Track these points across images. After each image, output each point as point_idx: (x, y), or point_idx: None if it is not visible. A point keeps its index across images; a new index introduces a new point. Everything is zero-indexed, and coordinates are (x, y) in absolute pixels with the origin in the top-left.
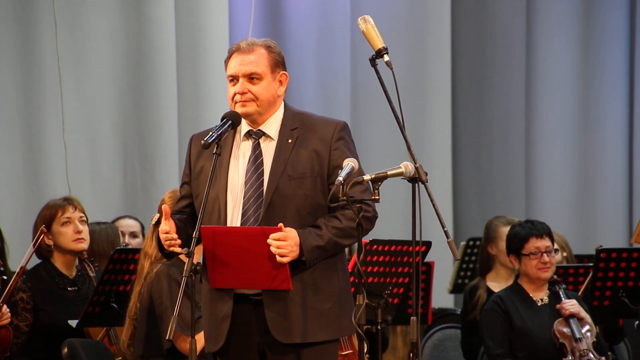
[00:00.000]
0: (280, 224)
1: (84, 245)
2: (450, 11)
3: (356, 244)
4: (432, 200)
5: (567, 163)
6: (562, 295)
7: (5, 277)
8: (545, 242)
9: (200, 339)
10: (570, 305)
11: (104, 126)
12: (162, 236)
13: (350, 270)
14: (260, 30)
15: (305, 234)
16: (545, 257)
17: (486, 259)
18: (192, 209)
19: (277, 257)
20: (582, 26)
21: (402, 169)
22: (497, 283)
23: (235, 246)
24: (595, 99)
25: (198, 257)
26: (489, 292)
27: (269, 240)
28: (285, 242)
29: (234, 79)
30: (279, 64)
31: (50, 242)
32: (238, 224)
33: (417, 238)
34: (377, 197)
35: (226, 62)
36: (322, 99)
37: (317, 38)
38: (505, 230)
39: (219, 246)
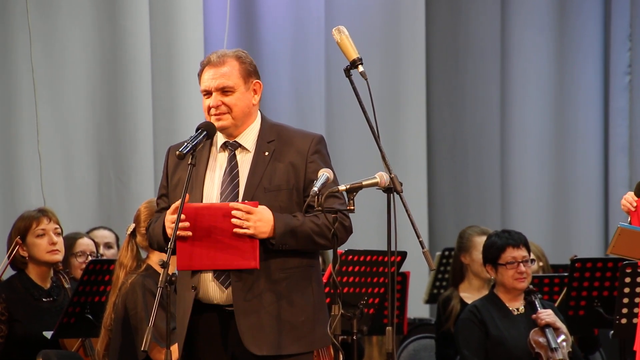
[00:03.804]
0: (257, 202)
1: (59, 256)
2: (425, 21)
3: (331, 254)
4: (407, 211)
5: (543, 173)
6: (537, 305)
7: None
8: (521, 252)
9: (175, 350)
10: (546, 315)
11: (79, 137)
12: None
13: (325, 281)
14: (235, 41)
15: (281, 215)
16: (522, 267)
17: (459, 269)
18: None
19: (235, 229)
20: (556, 35)
21: (377, 179)
22: (469, 294)
23: (204, 225)
24: (571, 108)
25: (173, 268)
26: (462, 302)
27: (233, 212)
28: (248, 216)
29: (207, 93)
30: (251, 73)
31: (25, 254)
32: None
33: (393, 248)
34: (353, 208)
35: (199, 75)
36: (297, 109)
37: (291, 49)
38: (478, 239)
39: (188, 227)
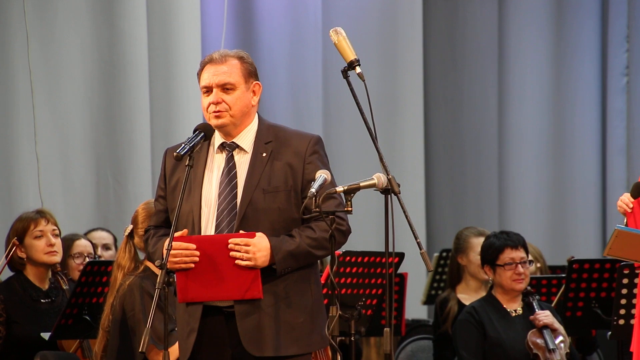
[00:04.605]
0: (254, 233)
1: (57, 258)
2: (422, 22)
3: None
4: (404, 212)
5: (540, 174)
6: (535, 307)
7: None
8: (520, 253)
9: (174, 351)
10: (544, 316)
11: (77, 139)
12: (184, 252)
13: (323, 282)
14: (232, 42)
15: (278, 241)
16: (520, 268)
17: (456, 270)
18: (170, 222)
19: (237, 261)
20: (554, 38)
21: (375, 181)
22: (467, 295)
23: (204, 256)
24: (568, 110)
25: None
26: (460, 304)
27: (230, 245)
28: (247, 247)
29: (208, 90)
30: (251, 74)
31: (23, 255)
32: None
33: (390, 249)
34: (350, 209)
35: (199, 74)
36: (294, 110)
37: (289, 50)
38: (475, 240)
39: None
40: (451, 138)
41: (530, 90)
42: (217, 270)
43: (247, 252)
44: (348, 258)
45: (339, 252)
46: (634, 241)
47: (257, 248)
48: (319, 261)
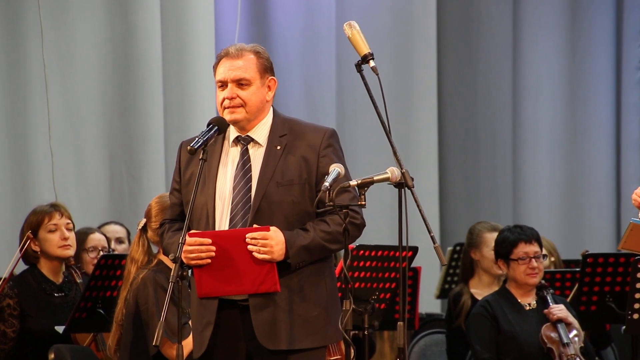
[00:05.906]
0: (268, 227)
1: (71, 251)
2: (436, 16)
3: (342, 249)
4: (418, 206)
5: (555, 168)
6: (549, 300)
7: None
8: (533, 248)
9: (187, 344)
10: (558, 310)
11: (91, 133)
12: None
13: (337, 276)
14: (246, 36)
15: (292, 235)
16: (534, 263)
17: (469, 264)
18: (184, 215)
19: (254, 254)
20: (568, 31)
21: (389, 174)
22: (479, 290)
23: (219, 251)
24: (582, 104)
25: None
26: (473, 298)
27: (247, 240)
28: (264, 241)
29: (222, 84)
30: (267, 69)
31: (37, 249)
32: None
33: (404, 243)
34: (364, 203)
35: (215, 67)
36: (308, 104)
37: (302, 44)
38: (488, 235)
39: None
40: (465, 132)
41: (544, 84)
42: (234, 265)
43: (264, 245)
44: (362, 252)
45: (352, 245)
46: None
47: (275, 241)
48: (333, 255)
